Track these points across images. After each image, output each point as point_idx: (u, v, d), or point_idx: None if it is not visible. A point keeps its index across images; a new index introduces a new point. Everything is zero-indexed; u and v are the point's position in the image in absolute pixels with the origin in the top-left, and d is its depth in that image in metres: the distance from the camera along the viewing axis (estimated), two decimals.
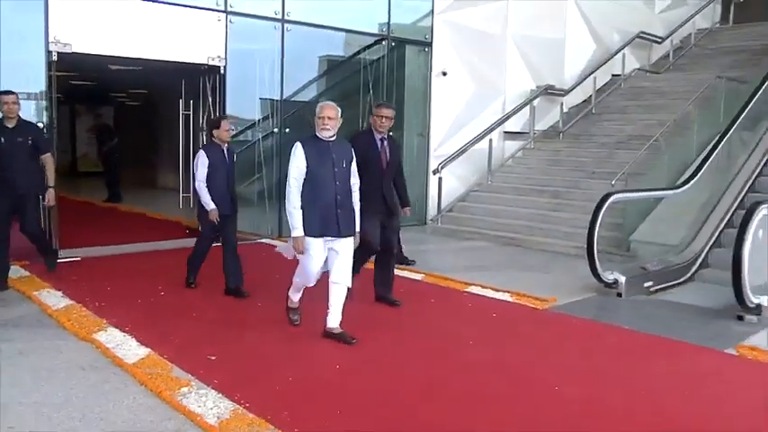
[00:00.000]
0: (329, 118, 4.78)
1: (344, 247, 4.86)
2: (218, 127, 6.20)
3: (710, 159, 8.43)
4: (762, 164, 8.92)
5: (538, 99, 12.45)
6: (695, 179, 8.08)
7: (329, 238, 4.79)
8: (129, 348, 4.63)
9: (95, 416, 3.59)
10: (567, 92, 12.89)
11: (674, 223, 8.35)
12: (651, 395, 4.10)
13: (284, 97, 9.69)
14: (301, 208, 4.74)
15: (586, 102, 13.36)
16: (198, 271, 6.44)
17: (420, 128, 11.40)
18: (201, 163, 6.09)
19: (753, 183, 8.69)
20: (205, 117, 9.08)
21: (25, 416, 3.55)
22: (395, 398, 3.95)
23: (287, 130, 9.63)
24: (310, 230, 4.74)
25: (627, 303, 6.48)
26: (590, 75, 13.29)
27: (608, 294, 6.60)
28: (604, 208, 6.78)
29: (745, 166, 8.95)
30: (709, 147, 8.83)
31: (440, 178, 10.87)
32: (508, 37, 12.28)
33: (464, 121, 11.66)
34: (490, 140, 11.51)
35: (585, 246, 6.75)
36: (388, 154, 5.75)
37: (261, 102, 9.62)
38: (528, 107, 12.31)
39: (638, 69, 14.46)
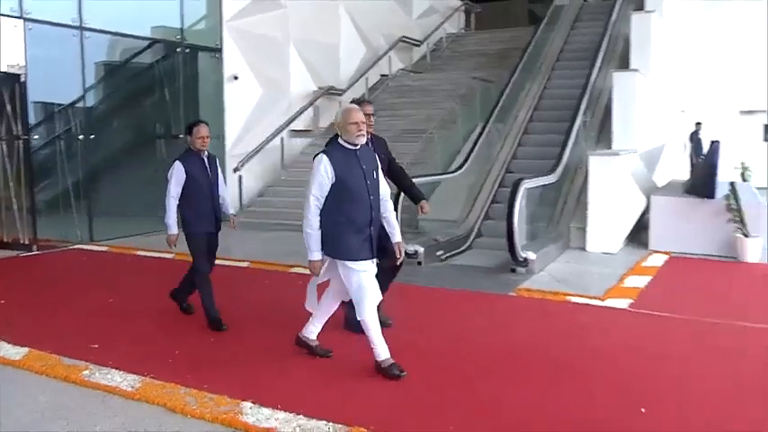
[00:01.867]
0: (363, 122, 4.24)
1: (373, 271, 4.36)
2: (190, 133, 5.45)
3: (477, 148, 10.12)
4: (513, 149, 10.86)
5: (320, 99, 13.58)
6: (467, 164, 9.70)
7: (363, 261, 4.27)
8: (6, 350, 4.88)
9: (9, 411, 3.96)
10: (344, 91, 14.18)
11: (452, 203, 9.91)
12: (467, 325, 5.34)
13: (80, 104, 9.81)
14: (323, 228, 4.22)
15: None
16: (211, 307, 5.49)
17: (215, 130, 11.94)
18: (176, 175, 5.34)
19: (508, 165, 10.56)
20: (2, 127, 8.94)
21: None
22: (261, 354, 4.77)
23: (92, 135, 9.76)
24: (358, 255, 4.21)
25: (426, 269, 7.80)
26: (362, 75, 14.72)
27: (410, 264, 7.87)
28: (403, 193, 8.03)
29: (500, 152, 10.82)
30: (474, 137, 10.56)
31: (240, 176, 11.55)
32: (290, 42, 13.24)
33: (255, 121, 12.43)
34: (282, 139, 12.43)
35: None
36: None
37: (58, 107, 9.65)
38: (312, 107, 13.40)
39: (403, 70, 16.25)
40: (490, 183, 10.20)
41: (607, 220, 8.70)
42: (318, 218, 4.21)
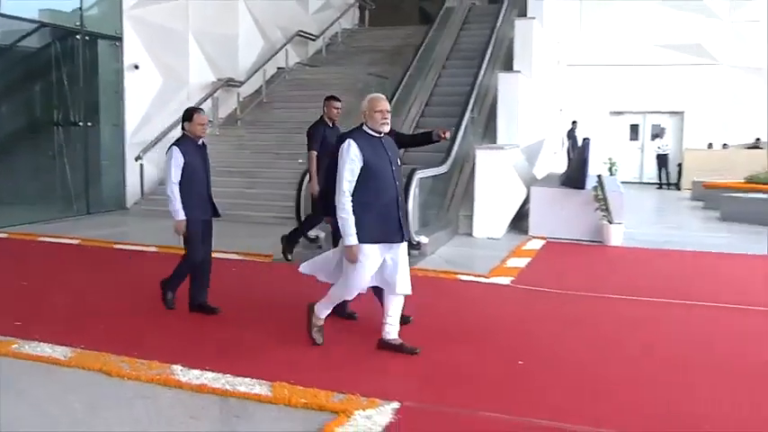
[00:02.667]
0: (388, 111, 4.42)
1: (403, 254, 4.53)
2: (189, 120, 5.37)
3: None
4: None
5: (219, 90, 13.79)
6: None
7: (389, 244, 4.40)
8: None
9: None
10: (243, 83, 14.44)
11: None
12: (370, 299, 5.94)
13: None
14: (354, 212, 4.26)
15: (258, 92, 15.06)
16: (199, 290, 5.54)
17: (114, 118, 11.99)
18: (175, 162, 5.22)
19: (403, 156, 11.22)
20: None
21: None
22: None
23: None
24: (369, 236, 4.28)
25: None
26: (260, 68, 14.99)
27: (311, 248, 8.37)
28: (305, 184, 8.54)
29: None
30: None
31: (141, 165, 11.65)
32: (189, 33, 13.36)
33: (155, 111, 12.51)
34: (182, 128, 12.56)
35: (294, 213, 8.46)
36: None
37: None
38: (211, 98, 13.59)
39: (299, 63, 16.65)
40: None
41: (492, 209, 9.54)
42: (351, 202, 4.24)
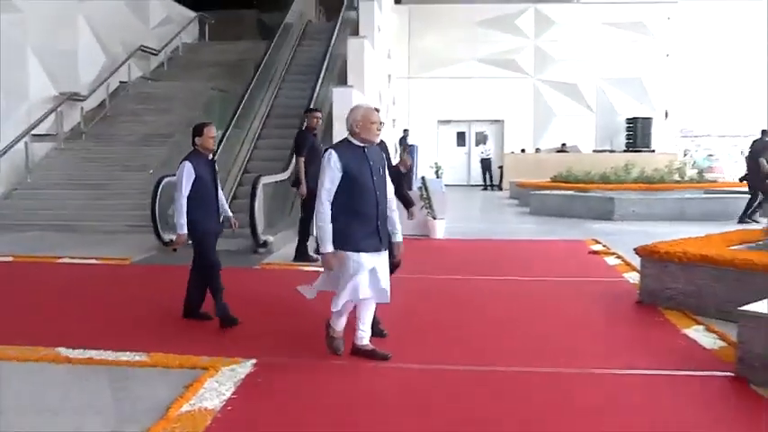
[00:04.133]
0: (382, 123, 4.63)
1: (384, 263, 4.62)
2: (200, 134, 5.52)
3: (219, 150, 11.51)
4: (250, 152, 12.45)
5: (62, 104, 13.94)
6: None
7: (369, 253, 4.49)
8: None
9: None
10: (86, 97, 14.63)
11: None
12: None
13: None
14: (334, 221, 4.41)
15: (102, 106, 15.28)
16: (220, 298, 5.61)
17: None
18: (186, 175, 5.37)
19: (246, 166, 12.12)
20: None
21: None
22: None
23: None
24: (350, 245, 4.43)
25: (183, 254, 9.05)
26: (104, 82, 15.25)
27: (166, 251, 9.08)
28: (160, 188, 9.25)
29: (239, 155, 12.36)
30: (217, 141, 11.93)
31: None
32: (28, 47, 13.42)
33: None
34: (25, 143, 12.67)
35: (151, 218, 9.17)
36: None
37: None
38: (54, 113, 13.72)
39: (141, 77, 17.00)
40: (231, 181, 11.69)
41: None
42: (330, 211, 4.39)
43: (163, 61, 18.08)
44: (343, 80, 13.62)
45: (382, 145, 5.06)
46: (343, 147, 4.54)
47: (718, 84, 21.26)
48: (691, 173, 16.52)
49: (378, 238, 4.51)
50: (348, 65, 13.45)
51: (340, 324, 4.75)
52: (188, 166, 5.41)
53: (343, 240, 4.41)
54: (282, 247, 9.47)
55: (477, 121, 23.02)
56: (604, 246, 9.48)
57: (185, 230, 5.46)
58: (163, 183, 9.47)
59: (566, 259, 8.98)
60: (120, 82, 16.29)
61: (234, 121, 12.50)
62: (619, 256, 8.54)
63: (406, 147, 19.13)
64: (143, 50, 17.17)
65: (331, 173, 4.38)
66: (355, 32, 15.01)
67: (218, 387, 4.17)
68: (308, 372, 4.55)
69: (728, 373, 4.35)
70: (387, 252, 4.63)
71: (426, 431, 3.71)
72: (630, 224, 12.21)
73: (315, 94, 12.98)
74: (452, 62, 21.68)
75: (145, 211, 10.00)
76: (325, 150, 4.56)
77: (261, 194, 9.36)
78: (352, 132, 4.53)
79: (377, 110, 4.75)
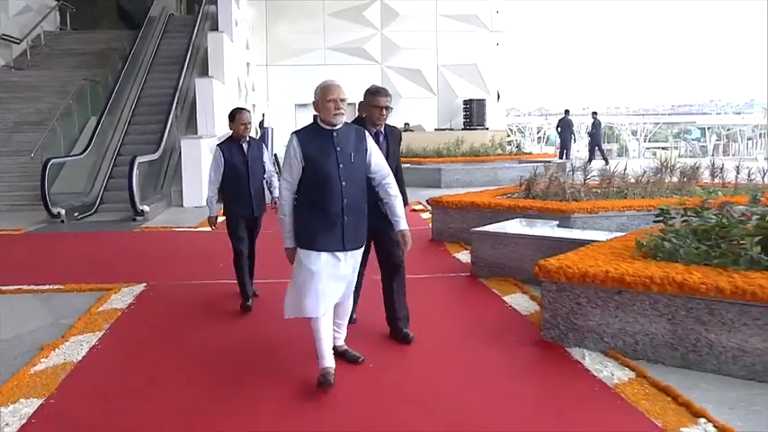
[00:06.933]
0: (341, 100, 3.85)
1: (348, 269, 3.97)
2: (232, 119, 5.57)
3: (95, 136, 12.98)
4: (122, 136, 13.92)
5: None
6: (89, 148, 12.54)
7: (330, 253, 3.85)
8: None
9: None
10: None
11: (77, 178, 12.63)
12: (116, 244, 8.53)
13: None
14: (296, 214, 3.90)
15: None
16: (245, 288, 5.71)
17: None
18: (215, 161, 5.56)
19: (119, 149, 13.60)
20: None
21: None
22: None
23: None
24: (309, 243, 3.84)
25: (69, 225, 10.58)
26: None
27: (55, 222, 10.58)
28: (48, 169, 10.69)
29: (113, 140, 13.81)
30: (91, 127, 13.37)
31: None
32: None
33: None
34: None
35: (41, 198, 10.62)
36: (385, 150, 4.51)
37: None
38: None
39: (4, 66, 17.67)
40: (107, 163, 13.17)
41: (196, 184, 12.43)
42: (291, 203, 3.89)
43: (26, 50, 18.49)
44: (205, 70, 15.26)
45: (395, 132, 4.75)
46: (308, 130, 3.94)
47: (541, 69, 24.48)
48: (510, 148, 19.46)
49: (340, 238, 3.84)
50: (209, 58, 15.12)
51: (324, 353, 3.93)
52: (217, 151, 5.55)
53: (301, 237, 3.88)
54: (156, 216, 11.17)
55: None
56: (424, 205, 11.85)
57: (211, 213, 5.81)
58: (49, 165, 10.91)
59: None
60: None
61: (107, 109, 13.90)
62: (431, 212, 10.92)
63: (266, 130, 20.96)
64: (4, 39, 17.71)
65: (290, 159, 3.85)
66: (215, 27, 16.60)
67: (122, 297, 6.05)
68: (185, 288, 6.49)
69: (467, 273, 6.71)
70: (358, 252, 4.04)
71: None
72: (453, 190, 14.71)
73: (179, 84, 14.58)
74: (307, 51, 23.56)
75: (26, 192, 11.45)
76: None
77: (137, 171, 11.00)
78: (318, 113, 3.92)
79: (386, 93, 4.55)
